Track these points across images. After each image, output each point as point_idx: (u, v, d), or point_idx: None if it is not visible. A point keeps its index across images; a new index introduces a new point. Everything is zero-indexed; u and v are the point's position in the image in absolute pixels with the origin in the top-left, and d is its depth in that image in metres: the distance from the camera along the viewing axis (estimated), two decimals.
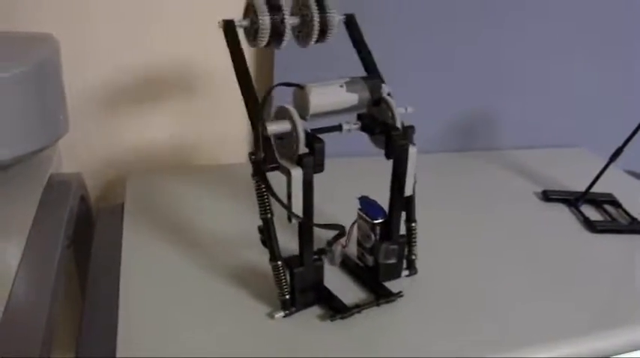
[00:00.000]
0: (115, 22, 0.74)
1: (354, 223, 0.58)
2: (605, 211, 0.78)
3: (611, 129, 0.76)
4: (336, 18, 0.53)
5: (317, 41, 0.54)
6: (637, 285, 0.63)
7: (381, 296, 0.55)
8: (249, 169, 0.48)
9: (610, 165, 0.77)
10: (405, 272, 0.59)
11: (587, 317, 0.57)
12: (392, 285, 0.57)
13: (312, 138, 0.48)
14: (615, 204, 0.80)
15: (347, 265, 0.60)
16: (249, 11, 0.51)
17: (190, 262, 0.59)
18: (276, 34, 0.51)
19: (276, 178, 0.49)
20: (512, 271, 0.63)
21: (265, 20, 0.49)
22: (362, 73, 0.56)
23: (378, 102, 0.53)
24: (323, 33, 0.53)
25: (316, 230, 0.51)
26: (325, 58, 0.68)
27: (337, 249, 0.55)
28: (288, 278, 0.52)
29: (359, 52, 0.56)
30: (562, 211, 0.78)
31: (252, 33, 0.51)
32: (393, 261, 0.57)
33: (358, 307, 0.53)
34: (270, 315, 0.52)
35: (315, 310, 0.54)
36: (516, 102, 0.94)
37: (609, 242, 0.71)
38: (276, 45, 0.52)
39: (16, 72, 0.56)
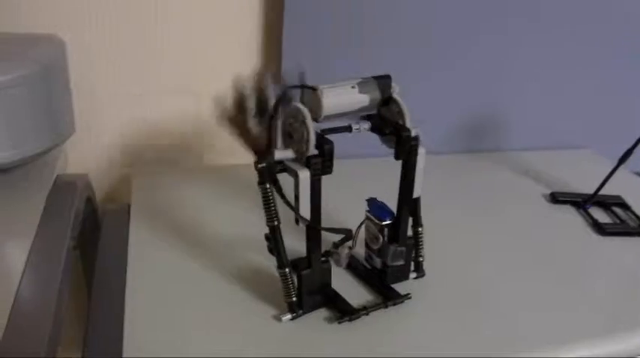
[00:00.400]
0: (122, 21, 0.74)
1: (361, 224, 0.58)
2: (614, 213, 0.77)
3: (619, 130, 0.76)
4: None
5: None
6: None
7: (388, 298, 0.55)
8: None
9: (619, 167, 0.76)
10: (412, 275, 0.59)
11: (597, 320, 0.57)
12: (399, 287, 0.57)
13: (322, 139, 0.48)
14: (624, 206, 0.79)
15: (354, 267, 0.60)
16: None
17: (197, 263, 0.59)
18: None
19: (284, 180, 0.49)
20: (520, 273, 0.63)
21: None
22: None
23: (387, 101, 0.53)
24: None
25: (324, 232, 0.50)
26: (334, 61, 0.68)
27: (344, 251, 0.55)
28: (295, 280, 0.52)
29: None
30: (570, 213, 0.77)
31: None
32: (400, 262, 0.57)
33: (365, 309, 0.53)
34: (278, 318, 0.52)
35: (323, 312, 0.54)
36: (524, 103, 0.93)
37: (618, 245, 0.70)
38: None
39: (21, 73, 0.56)
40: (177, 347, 0.48)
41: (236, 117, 0.48)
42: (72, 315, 0.64)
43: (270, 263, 0.51)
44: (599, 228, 0.73)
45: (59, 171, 0.66)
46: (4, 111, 0.56)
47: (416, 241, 0.58)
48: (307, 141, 0.47)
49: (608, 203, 0.79)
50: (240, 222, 0.66)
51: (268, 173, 0.47)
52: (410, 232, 0.57)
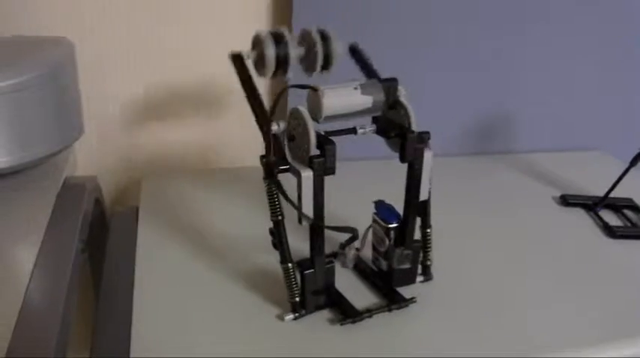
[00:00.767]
0: (132, 24, 0.74)
1: (369, 227, 0.58)
2: (625, 216, 0.76)
3: (631, 131, 0.75)
4: (339, 48, 0.54)
5: (322, 70, 0.55)
6: None
7: (393, 301, 0.55)
8: (262, 172, 0.48)
9: (630, 169, 0.75)
10: (419, 278, 0.59)
11: (608, 324, 0.56)
12: (406, 291, 0.56)
13: (324, 139, 0.48)
14: (635, 209, 0.78)
15: (361, 269, 0.59)
16: (256, 44, 0.53)
17: (204, 264, 0.60)
18: (282, 65, 0.52)
19: (288, 181, 0.49)
20: (530, 277, 0.62)
21: (270, 53, 0.51)
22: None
23: (393, 105, 0.52)
24: (327, 62, 0.55)
25: (331, 233, 0.50)
26: (340, 60, 0.68)
27: (350, 252, 0.54)
28: (298, 280, 0.52)
29: (367, 77, 0.57)
30: (581, 216, 0.76)
31: (260, 64, 0.53)
32: (407, 266, 0.56)
33: (369, 312, 0.53)
34: (280, 317, 0.52)
35: (326, 313, 0.54)
36: (534, 104, 0.92)
37: (629, 248, 0.69)
38: (282, 74, 0.53)
39: (30, 75, 0.56)
40: (183, 348, 0.49)
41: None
42: (80, 317, 0.64)
43: (275, 265, 0.51)
44: (610, 231, 0.72)
45: (68, 173, 0.66)
46: (13, 114, 0.56)
47: (424, 244, 0.58)
48: (308, 141, 0.47)
49: (619, 205, 0.78)
50: (248, 223, 0.67)
51: (273, 167, 0.48)
52: (418, 234, 0.57)
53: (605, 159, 0.95)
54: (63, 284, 0.51)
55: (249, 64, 0.53)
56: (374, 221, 0.57)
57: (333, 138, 0.49)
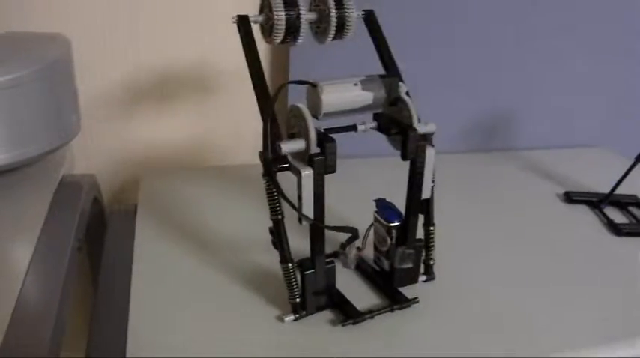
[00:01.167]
0: (129, 21, 0.73)
1: (370, 226, 0.57)
2: (630, 213, 0.76)
3: (635, 128, 0.74)
4: (354, 14, 0.52)
5: (334, 37, 0.52)
6: None
7: (395, 301, 0.54)
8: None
9: (635, 165, 0.74)
10: (422, 278, 0.58)
11: (613, 322, 0.55)
12: (408, 291, 0.55)
13: (324, 137, 0.47)
14: None
15: (363, 269, 0.59)
16: (265, 7, 0.50)
17: (202, 264, 0.59)
18: (292, 30, 0.50)
19: (289, 179, 0.48)
20: (535, 275, 0.61)
21: (280, 16, 0.49)
22: (381, 70, 0.54)
23: (395, 101, 0.51)
24: (341, 29, 0.52)
25: (332, 233, 0.50)
26: (342, 57, 0.67)
27: (351, 252, 0.54)
28: (299, 280, 0.51)
29: (378, 50, 0.55)
30: (585, 213, 0.76)
31: (268, 29, 0.50)
32: (409, 265, 0.55)
33: (371, 312, 0.52)
34: (280, 318, 0.51)
35: (327, 314, 0.53)
36: (538, 101, 0.92)
37: (634, 245, 0.68)
38: (292, 41, 0.51)
39: (26, 72, 0.56)
40: (180, 348, 0.48)
41: None
42: (78, 315, 0.63)
43: (275, 265, 0.51)
44: (615, 229, 0.71)
45: (66, 171, 0.66)
46: (8, 110, 0.56)
47: (427, 243, 0.57)
48: (308, 139, 0.46)
49: (624, 203, 0.77)
50: (247, 222, 0.66)
51: (272, 164, 0.47)
52: (421, 233, 0.56)
53: (609, 155, 0.94)
54: (58, 282, 0.51)
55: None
56: (375, 220, 0.56)
57: (333, 135, 0.48)
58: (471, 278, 0.60)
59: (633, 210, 0.76)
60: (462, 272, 0.60)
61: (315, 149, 0.46)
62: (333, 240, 0.54)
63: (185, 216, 0.68)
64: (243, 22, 0.50)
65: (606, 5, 0.87)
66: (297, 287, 0.51)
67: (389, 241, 0.55)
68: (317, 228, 0.49)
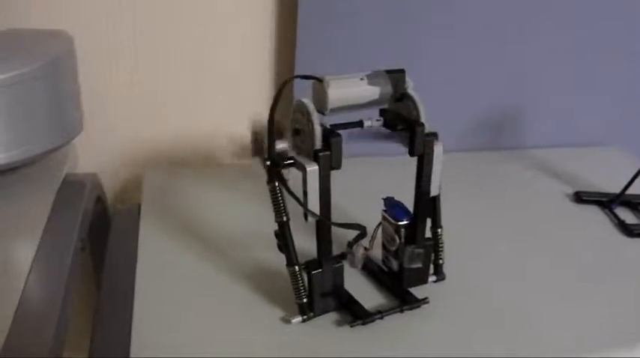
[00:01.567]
0: (132, 18, 0.73)
1: (378, 225, 0.56)
2: None
3: None
4: None
5: None
6: None
7: (405, 302, 0.53)
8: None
9: None
10: (432, 278, 0.57)
11: (624, 324, 0.54)
12: (418, 291, 0.55)
13: (329, 133, 0.46)
14: None
15: (371, 269, 0.58)
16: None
17: (207, 263, 0.58)
18: None
19: (294, 177, 0.47)
20: (545, 276, 0.60)
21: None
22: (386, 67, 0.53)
23: (401, 97, 0.51)
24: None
25: (339, 232, 0.49)
26: (348, 52, 0.66)
27: (359, 250, 0.53)
28: (306, 281, 0.50)
29: None
30: (595, 214, 0.75)
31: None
32: (418, 265, 0.54)
33: (380, 313, 0.51)
34: (287, 320, 0.50)
35: (335, 315, 0.52)
36: (546, 98, 0.91)
37: None
38: None
39: (28, 69, 0.55)
40: (185, 348, 0.47)
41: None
42: (81, 315, 0.63)
43: (281, 264, 0.50)
44: (626, 229, 0.70)
45: (68, 170, 0.65)
46: (10, 108, 0.55)
47: (435, 243, 0.56)
48: (313, 135, 0.45)
49: (636, 203, 0.76)
50: (251, 221, 0.65)
51: (275, 170, 0.46)
52: (429, 232, 0.55)
53: (619, 154, 0.93)
54: (61, 282, 0.50)
55: None
56: (383, 218, 0.55)
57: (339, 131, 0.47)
58: (480, 278, 0.59)
59: None
60: (471, 273, 0.59)
61: (320, 145, 0.46)
62: (341, 239, 0.53)
63: (189, 214, 0.67)
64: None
65: (613, 3, 0.86)
66: (304, 289, 0.50)
67: (398, 240, 0.54)
68: (323, 225, 0.49)
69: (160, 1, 0.73)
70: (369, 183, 0.70)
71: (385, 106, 0.52)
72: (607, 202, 0.76)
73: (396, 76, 0.50)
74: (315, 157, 0.46)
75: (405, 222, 0.53)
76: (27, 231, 0.55)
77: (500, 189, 0.80)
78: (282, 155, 0.47)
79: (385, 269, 0.57)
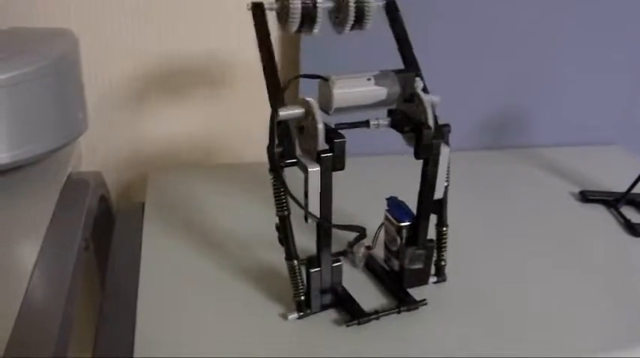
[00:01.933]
0: (137, 17, 0.73)
1: (381, 225, 0.56)
2: None
3: None
4: (374, 3, 0.50)
5: (353, 27, 0.50)
6: None
7: (403, 303, 0.53)
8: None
9: None
10: (432, 279, 0.57)
11: (630, 324, 0.54)
12: (418, 292, 0.54)
13: (333, 133, 0.46)
14: None
15: (372, 268, 0.58)
16: None
17: (209, 261, 0.59)
18: (308, 19, 0.48)
19: (297, 174, 0.47)
20: (549, 277, 0.60)
21: (296, 3, 0.47)
22: (395, 66, 0.53)
23: (410, 97, 0.50)
24: (360, 19, 0.50)
25: (341, 231, 0.49)
26: (355, 51, 0.66)
27: (359, 250, 0.53)
28: (304, 278, 0.50)
29: (398, 42, 0.53)
30: (601, 213, 0.74)
31: (284, 17, 0.49)
32: (419, 266, 0.54)
33: (376, 313, 0.51)
34: (284, 316, 0.51)
35: (332, 313, 0.52)
36: (550, 98, 0.90)
37: None
38: (308, 30, 0.49)
39: (33, 68, 0.55)
40: (186, 346, 0.48)
41: None
42: (86, 314, 0.63)
43: (282, 263, 0.50)
44: (632, 229, 0.70)
45: (73, 169, 0.65)
46: (15, 107, 0.55)
47: (439, 243, 0.56)
48: (316, 135, 0.45)
49: None
50: (255, 220, 0.65)
51: (279, 159, 0.46)
52: (433, 233, 0.55)
53: (625, 154, 0.93)
54: (64, 281, 0.50)
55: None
56: (386, 218, 0.55)
57: (344, 131, 0.47)
58: (483, 279, 0.58)
59: None
60: (474, 274, 0.59)
61: (323, 145, 0.45)
62: (342, 238, 0.53)
63: (192, 213, 0.67)
64: (257, 9, 0.49)
65: (617, 4, 0.86)
66: (302, 285, 0.50)
67: (399, 241, 0.54)
68: (323, 226, 0.48)
69: (164, 1, 0.73)
70: (376, 181, 0.70)
71: (393, 107, 0.51)
72: (613, 201, 0.75)
73: (405, 76, 0.50)
74: (317, 158, 0.45)
75: (406, 223, 0.53)
76: (31, 230, 0.55)
77: (504, 188, 0.79)
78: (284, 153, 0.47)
79: (387, 268, 0.57)
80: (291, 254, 0.49)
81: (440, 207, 0.54)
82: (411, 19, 0.76)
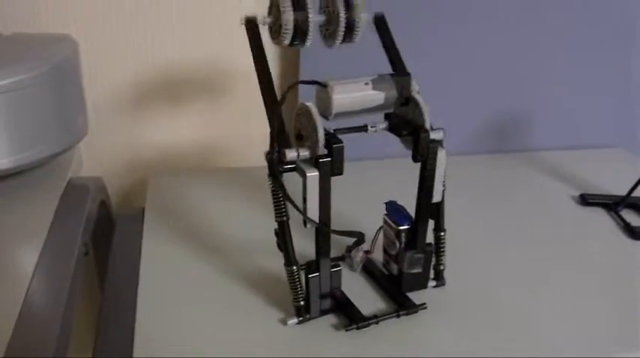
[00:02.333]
0: (138, 22, 0.73)
1: (380, 228, 0.56)
2: None
3: None
4: (363, 17, 0.51)
5: (343, 41, 0.51)
6: None
7: (402, 307, 0.53)
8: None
9: None
10: (431, 283, 0.57)
11: (630, 328, 0.54)
12: (417, 296, 0.54)
13: (332, 138, 0.46)
14: None
15: (371, 273, 0.58)
16: (273, 7, 0.50)
17: (209, 266, 0.59)
18: (300, 32, 0.49)
19: (296, 179, 0.47)
20: (549, 281, 0.60)
21: (288, 17, 0.48)
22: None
23: (407, 101, 0.50)
24: (350, 32, 0.51)
25: (339, 236, 0.49)
26: (353, 57, 0.66)
27: (357, 255, 0.53)
28: (304, 283, 0.50)
29: (388, 54, 0.54)
30: (601, 216, 0.74)
31: (276, 30, 0.50)
32: (418, 270, 0.54)
33: (376, 318, 0.51)
34: (283, 321, 0.51)
35: (331, 318, 0.52)
36: (551, 101, 0.90)
37: None
38: (300, 43, 0.50)
39: (33, 73, 0.55)
40: (185, 350, 0.48)
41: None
42: (86, 318, 0.63)
43: (281, 267, 0.50)
44: (632, 232, 0.69)
45: (73, 174, 0.65)
46: (16, 113, 0.55)
47: (437, 247, 0.56)
48: (316, 140, 0.45)
49: None
50: (254, 225, 0.65)
51: (278, 165, 0.46)
52: (432, 237, 0.55)
53: (625, 156, 0.93)
54: (64, 286, 0.50)
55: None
56: (385, 222, 0.55)
57: (342, 136, 0.47)
58: (482, 284, 0.58)
59: None
60: (474, 278, 0.59)
61: (322, 151, 0.45)
62: (342, 242, 0.53)
63: (193, 218, 0.67)
64: (251, 24, 0.50)
65: (618, 6, 0.86)
66: (301, 290, 0.50)
67: (398, 245, 0.54)
68: (322, 232, 0.48)
69: (167, 6, 0.73)
70: (373, 185, 0.70)
71: (391, 111, 0.51)
72: (613, 205, 0.75)
73: (401, 79, 0.50)
74: (316, 164, 0.45)
75: (405, 227, 0.53)
76: (31, 235, 0.55)
77: (505, 192, 0.79)
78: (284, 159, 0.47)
79: (386, 272, 0.57)
80: (290, 260, 0.49)
81: (438, 211, 0.54)
82: (413, 25, 0.77)
